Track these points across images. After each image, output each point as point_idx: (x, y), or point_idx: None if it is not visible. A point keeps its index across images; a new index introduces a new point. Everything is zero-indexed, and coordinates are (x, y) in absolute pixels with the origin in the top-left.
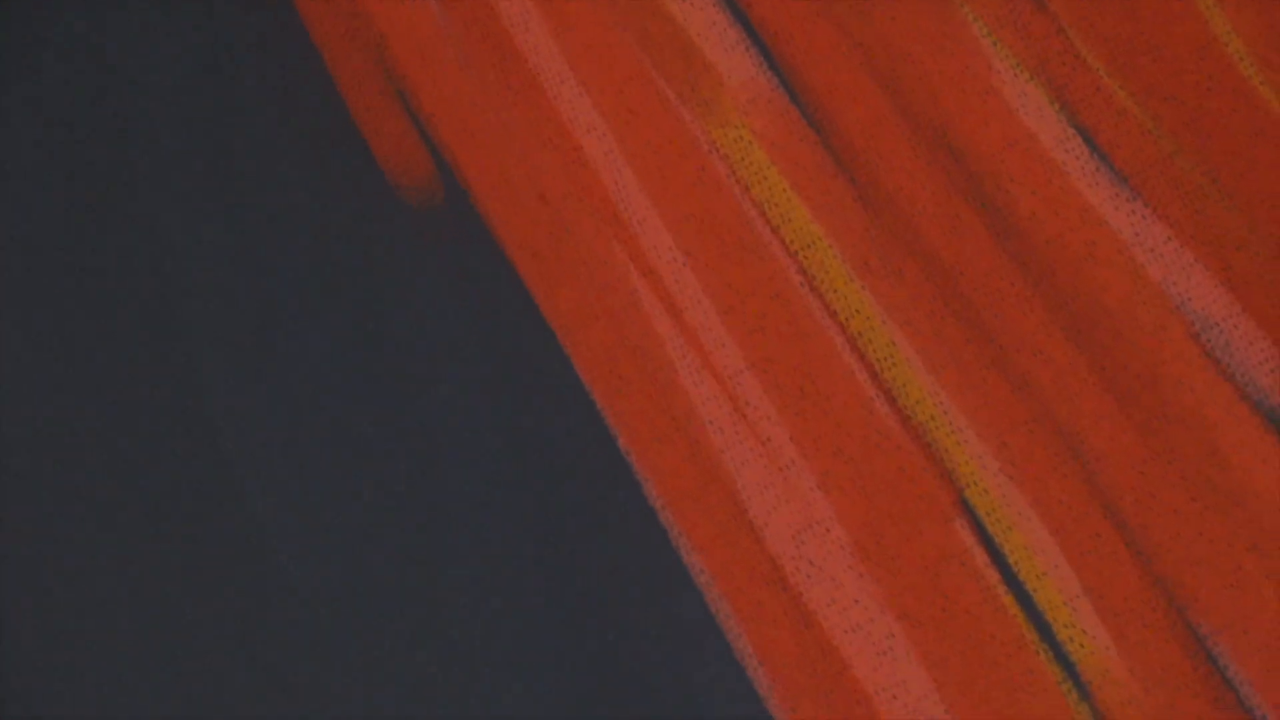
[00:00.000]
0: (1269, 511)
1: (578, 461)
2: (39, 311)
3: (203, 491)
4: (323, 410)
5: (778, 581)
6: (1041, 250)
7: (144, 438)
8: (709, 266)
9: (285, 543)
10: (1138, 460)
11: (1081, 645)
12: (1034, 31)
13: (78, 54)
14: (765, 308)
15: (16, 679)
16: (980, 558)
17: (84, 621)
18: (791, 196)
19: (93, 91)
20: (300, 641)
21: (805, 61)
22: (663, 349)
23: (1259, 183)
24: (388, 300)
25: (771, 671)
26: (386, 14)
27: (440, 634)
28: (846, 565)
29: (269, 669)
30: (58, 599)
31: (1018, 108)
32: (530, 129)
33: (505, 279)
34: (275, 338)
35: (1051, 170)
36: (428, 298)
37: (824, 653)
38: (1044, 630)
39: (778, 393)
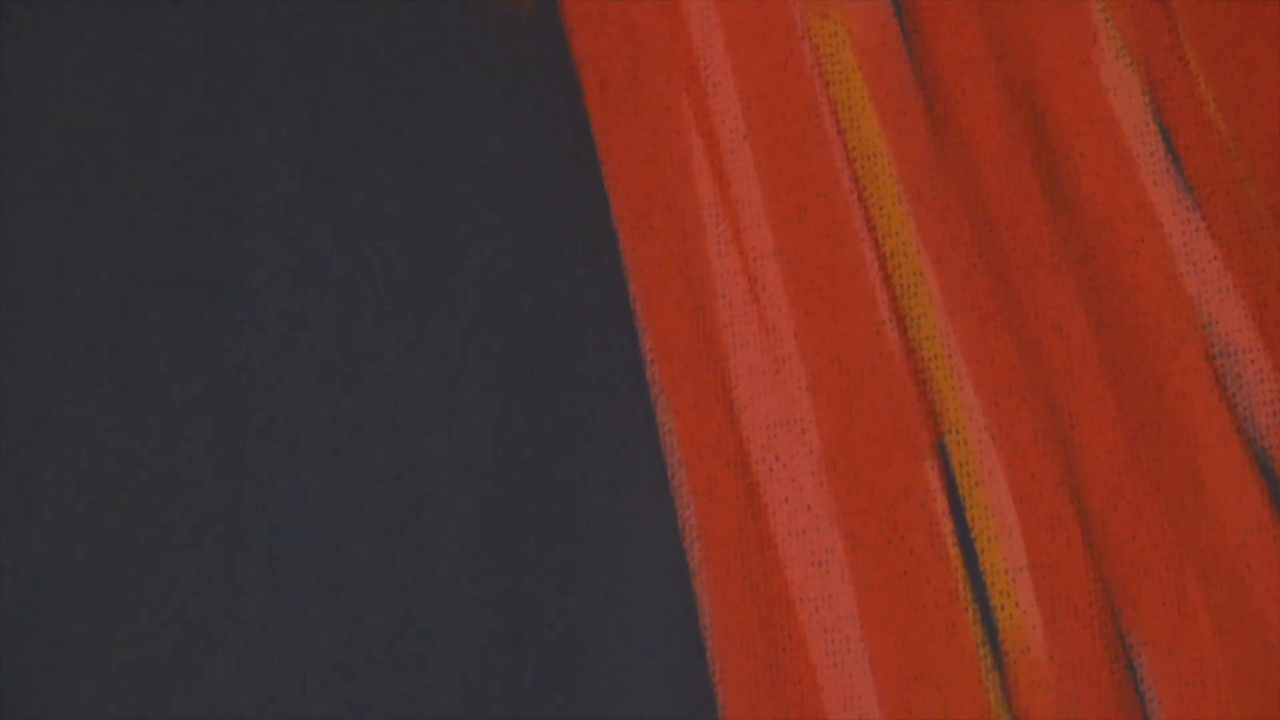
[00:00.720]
0: (1229, 546)
1: (585, 292)
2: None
3: (202, 245)
4: (343, 183)
5: (740, 465)
6: (1090, 231)
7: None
8: (767, 147)
9: (273, 292)
10: (1120, 459)
11: (1010, 617)
12: (1148, 20)
13: None
14: (809, 203)
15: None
16: (940, 504)
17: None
18: (867, 105)
19: None
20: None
21: None
22: (699, 212)
23: None
24: (448, 88)
25: (707, 548)
26: None
27: (390, 414)
28: (810, 470)
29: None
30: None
31: (1109, 87)
32: None
33: (569, 100)
34: (321, 103)
35: (1123, 157)
36: (488, 95)
37: (762, 546)
38: (979, 592)
39: (795, 286)
